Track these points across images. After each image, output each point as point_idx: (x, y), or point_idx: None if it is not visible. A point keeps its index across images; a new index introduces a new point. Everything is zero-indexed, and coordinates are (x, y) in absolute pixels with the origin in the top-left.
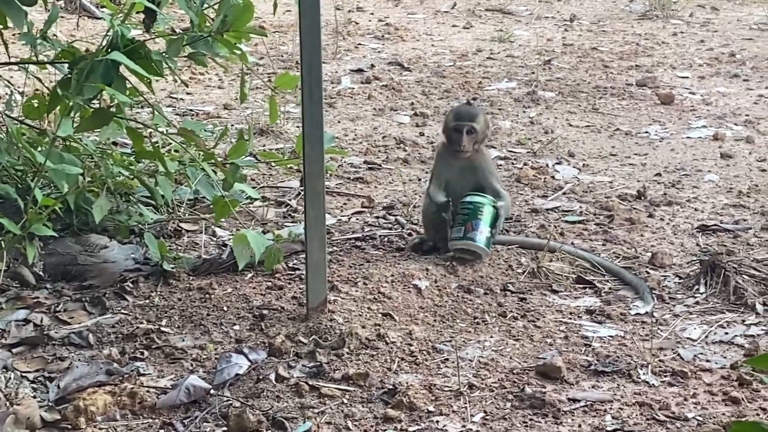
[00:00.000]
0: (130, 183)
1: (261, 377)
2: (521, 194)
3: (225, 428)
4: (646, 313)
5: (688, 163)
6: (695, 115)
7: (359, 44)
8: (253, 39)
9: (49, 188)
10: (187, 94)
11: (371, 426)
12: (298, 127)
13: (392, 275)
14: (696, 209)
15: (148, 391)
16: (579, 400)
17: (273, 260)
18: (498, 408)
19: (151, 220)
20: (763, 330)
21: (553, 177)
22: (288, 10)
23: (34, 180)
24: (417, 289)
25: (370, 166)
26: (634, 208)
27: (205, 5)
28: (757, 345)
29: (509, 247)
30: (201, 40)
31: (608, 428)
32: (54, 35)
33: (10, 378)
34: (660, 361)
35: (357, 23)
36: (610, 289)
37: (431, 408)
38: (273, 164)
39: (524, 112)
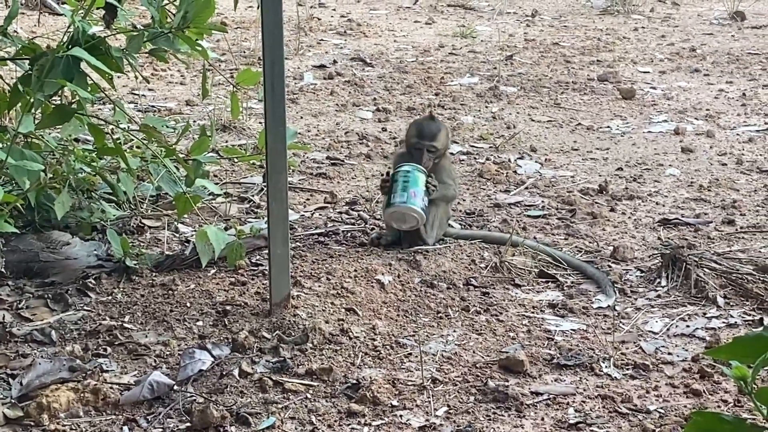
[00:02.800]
0: (92, 179)
1: (224, 373)
2: (483, 189)
3: (189, 424)
4: (608, 306)
5: (650, 158)
6: (656, 109)
7: (321, 40)
8: (216, 35)
9: (10, 185)
10: (149, 90)
11: (335, 420)
12: (260, 123)
13: (355, 270)
14: (657, 203)
15: (111, 388)
16: (542, 394)
17: (235, 256)
18: (461, 402)
19: (114, 216)
20: (723, 323)
21: (515, 172)
22: (250, 6)
23: None
24: (380, 284)
25: (332, 161)
26: (596, 203)
27: (166, 1)
28: (718, 337)
29: (472, 241)
30: (162, 36)
31: (571, 421)
32: (15, 32)
33: None
34: (622, 354)
35: (319, 19)
36: (572, 283)
37: (395, 402)
38: (236, 160)
39: (486, 107)
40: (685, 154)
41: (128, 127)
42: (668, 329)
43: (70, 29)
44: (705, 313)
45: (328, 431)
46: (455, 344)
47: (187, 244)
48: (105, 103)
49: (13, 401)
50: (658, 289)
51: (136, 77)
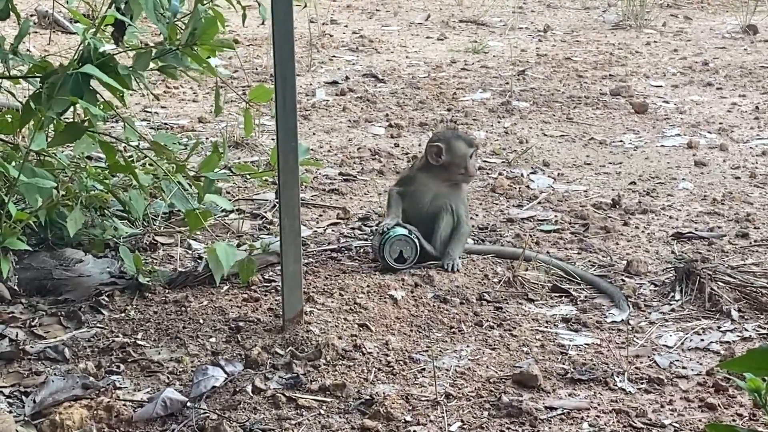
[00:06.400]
0: (105, 197)
1: (238, 389)
2: (496, 204)
3: None
4: (622, 320)
5: (663, 172)
6: (669, 123)
7: (334, 56)
8: (228, 52)
9: (23, 202)
10: (162, 107)
11: None
12: (273, 139)
13: (368, 286)
14: (671, 217)
15: (124, 405)
16: (556, 408)
17: (247, 272)
18: (475, 417)
19: (126, 233)
20: (738, 336)
21: (528, 186)
22: (262, 24)
23: (7, 194)
24: (393, 300)
25: (345, 177)
26: (609, 217)
27: (176, 18)
28: (733, 351)
29: (485, 256)
30: (170, 53)
31: None
32: (27, 50)
33: None
34: (636, 368)
35: (331, 36)
36: (585, 297)
37: (408, 418)
38: (248, 177)
39: (499, 122)
40: (698, 167)
41: (139, 144)
42: (682, 343)
43: (81, 47)
44: (719, 327)
45: None
46: (469, 359)
47: (199, 261)
48: (117, 121)
49: (26, 419)
50: (671, 302)
51: (144, 95)
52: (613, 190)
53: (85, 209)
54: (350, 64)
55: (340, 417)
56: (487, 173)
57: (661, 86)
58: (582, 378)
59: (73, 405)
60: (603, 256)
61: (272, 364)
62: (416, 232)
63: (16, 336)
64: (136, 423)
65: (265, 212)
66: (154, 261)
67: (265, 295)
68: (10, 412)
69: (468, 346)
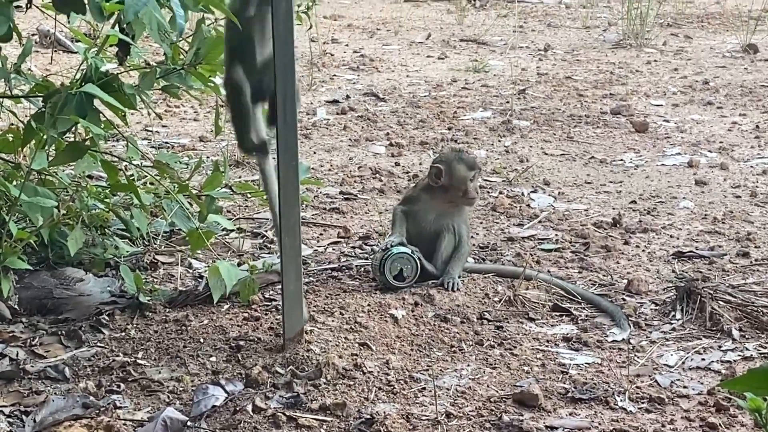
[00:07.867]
0: (106, 216)
1: (238, 408)
2: (497, 223)
3: None
4: (623, 339)
5: (663, 191)
6: (670, 142)
7: (334, 75)
8: None
9: (24, 222)
10: (163, 126)
11: None
12: (273, 158)
13: (369, 305)
14: (671, 236)
15: (124, 424)
16: (557, 428)
17: (248, 291)
18: None
19: (127, 252)
20: (739, 355)
21: (528, 205)
22: None
23: (8, 213)
24: (393, 319)
25: (346, 196)
26: (610, 236)
27: (179, 38)
28: (734, 370)
29: (485, 275)
30: (174, 72)
31: None
32: (29, 69)
33: None
34: (637, 387)
35: (332, 55)
36: (586, 316)
37: None
38: (249, 196)
39: (499, 141)
40: (698, 186)
41: (141, 163)
42: (683, 362)
43: (83, 67)
44: (720, 346)
45: None
46: (469, 378)
47: (200, 280)
48: (118, 140)
49: None
50: (672, 322)
51: (149, 114)
52: (613, 209)
53: (86, 228)
54: (351, 83)
55: None
56: (488, 192)
57: (661, 105)
58: (583, 397)
59: (73, 424)
60: (604, 275)
61: (273, 383)
62: (418, 253)
63: (17, 355)
64: None
65: (266, 231)
66: (155, 280)
67: (266, 314)
68: (11, 431)
69: (468, 365)
